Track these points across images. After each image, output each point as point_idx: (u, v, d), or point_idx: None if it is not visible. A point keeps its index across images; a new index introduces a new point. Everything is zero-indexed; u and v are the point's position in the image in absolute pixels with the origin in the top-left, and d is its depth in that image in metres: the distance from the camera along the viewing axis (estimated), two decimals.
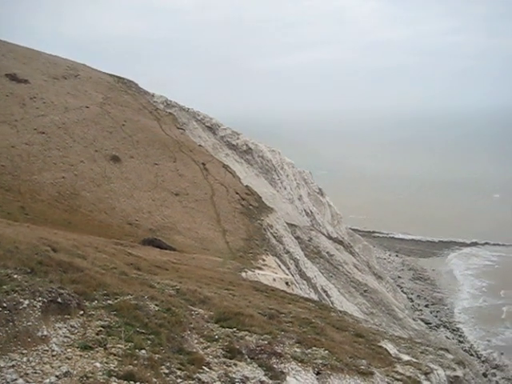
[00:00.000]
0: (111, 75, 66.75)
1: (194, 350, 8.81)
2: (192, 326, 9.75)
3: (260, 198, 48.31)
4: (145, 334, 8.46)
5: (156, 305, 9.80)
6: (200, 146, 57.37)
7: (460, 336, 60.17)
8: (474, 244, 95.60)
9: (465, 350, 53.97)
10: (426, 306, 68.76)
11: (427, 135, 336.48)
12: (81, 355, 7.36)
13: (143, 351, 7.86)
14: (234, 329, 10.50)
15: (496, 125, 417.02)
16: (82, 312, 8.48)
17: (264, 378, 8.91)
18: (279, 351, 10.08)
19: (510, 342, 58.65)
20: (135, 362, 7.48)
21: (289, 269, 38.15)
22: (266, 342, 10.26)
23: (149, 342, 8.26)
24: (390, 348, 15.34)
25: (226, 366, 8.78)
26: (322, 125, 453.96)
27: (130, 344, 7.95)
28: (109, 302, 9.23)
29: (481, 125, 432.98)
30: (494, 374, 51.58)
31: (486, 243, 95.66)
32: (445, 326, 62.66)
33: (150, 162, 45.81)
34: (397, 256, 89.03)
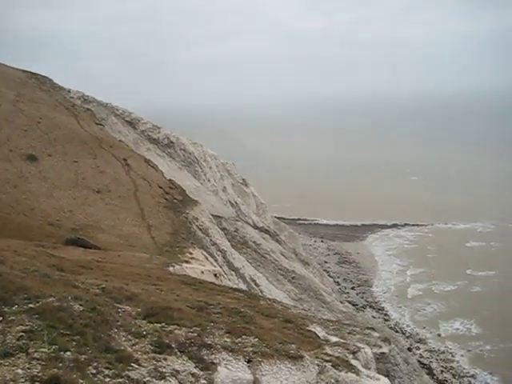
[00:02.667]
0: (23, 71, 64.09)
1: (122, 348, 8.66)
2: (119, 323, 9.57)
3: (184, 191, 47.92)
4: (70, 335, 8.22)
5: (80, 305, 9.53)
6: (120, 141, 56.24)
7: (385, 315, 62.43)
8: (395, 226, 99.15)
9: (390, 328, 55.95)
10: (353, 288, 70.74)
11: (346, 122, 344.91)
12: (0, 363, 7.07)
13: (68, 353, 7.64)
14: (163, 323, 10.39)
15: (419, 112, 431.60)
16: (0, 318, 8.14)
17: (195, 370, 8.88)
18: (209, 342, 10.07)
19: (430, 316, 61.49)
20: (60, 364, 7.26)
21: (216, 260, 38.13)
22: (195, 335, 10.23)
23: (74, 343, 8.03)
24: (319, 331, 15.68)
25: (156, 361, 8.69)
26: (246, 115, 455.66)
27: (53, 347, 7.69)
28: (30, 305, 8.89)
29: (403, 112, 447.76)
30: (418, 348, 54.08)
31: (406, 224, 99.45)
32: (371, 307, 64.75)
33: (69, 159, 44.42)
34: (322, 241, 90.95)
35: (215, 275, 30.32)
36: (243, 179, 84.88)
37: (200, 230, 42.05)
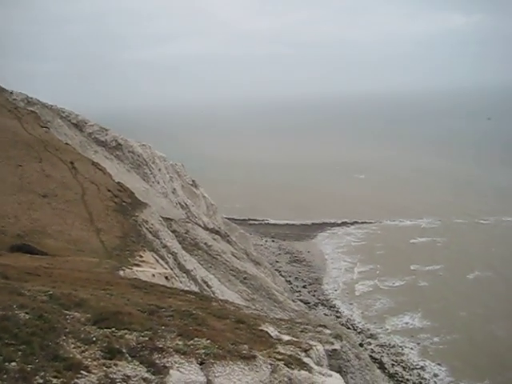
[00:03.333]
0: None
1: (71, 356, 8.47)
2: (67, 330, 9.35)
3: (133, 193, 47.31)
4: (15, 345, 7.97)
5: (26, 313, 9.27)
6: (67, 144, 55.07)
7: (337, 312, 63.24)
8: (344, 224, 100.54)
9: (342, 325, 56.72)
10: (304, 286, 71.36)
11: (296, 120, 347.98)
12: None
13: (13, 363, 7.41)
14: (113, 328, 10.22)
15: (369, 111, 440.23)
16: None
17: (146, 375, 8.77)
18: (161, 346, 9.96)
19: (380, 311, 62.72)
20: (5, 376, 7.03)
21: (167, 263, 37.80)
22: (146, 339, 10.10)
23: (20, 352, 7.79)
24: (271, 330, 15.74)
25: (106, 367, 8.53)
26: (194, 117, 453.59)
27: None
28: None
29: (352, 111, 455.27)
30: (369, 343, 55.05)
31: (355, 222, 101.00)
32: (322, 304, 65.48)
33: (13, 163, 43.19)
34: (273, 241, 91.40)
35: (166, 278, 30.04)
36: (193, 180, 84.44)
37: (150, 232, 41.61)
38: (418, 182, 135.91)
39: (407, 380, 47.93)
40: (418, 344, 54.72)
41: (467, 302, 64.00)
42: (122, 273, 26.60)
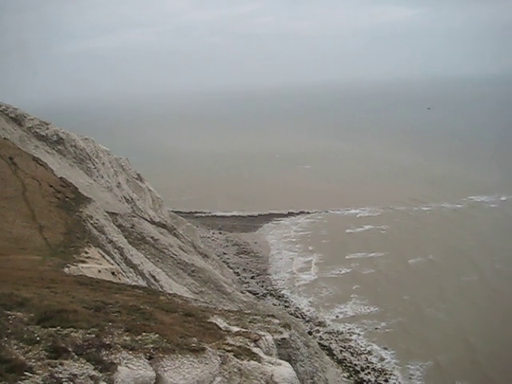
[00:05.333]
0: None
1: (14, 357, 8.23)
2: (9, 331, 9.09)
3: (76, 188, 46.34)
4: None
5: None
6: (5, 139, 53.33)
7: (285, 301, 63.83)
8: (291, 214, 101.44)
9: (291, 314, 57.31)
10: (252, 277, 71.69)
11: (242, 111, 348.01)
12: None
13: None
14: (58, 327, 10.00)
15: (317, 102, 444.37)
16: None
17: (94, 373, 8.64)
18: (108, 342, 9.82)
19: (327, 299, 63.74)
20: None
21: (114, 258, 37.25)
22: (93, 336, 9.95)
23: None
24: (220, 322, 15.77)
25: (51, 366, 8.35)
26: (138, 108, 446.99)
27: None
28: None
29: (299, 103, 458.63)
30: (318, 331, 55.88)
31: (301, 212, 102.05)
32: (271, 294, 65.96)
33: None
34: (220, 233, 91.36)
35: (113, 273, 29.63)
36: (138, 174, 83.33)
37: (95, 228, 40.88)
38: (362, 172, 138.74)
39: (355, 365, 48.95)
40: (365, 329, 55.93)
41: (410, 286, 65.85)
42: (66, 270, 26.06)
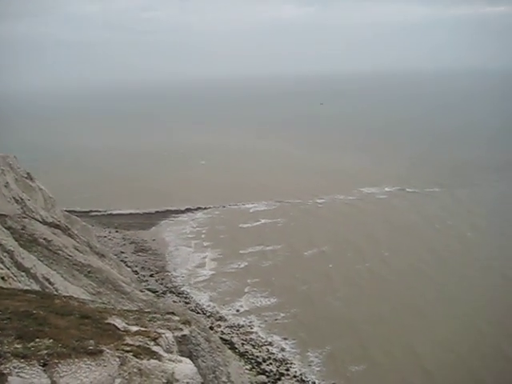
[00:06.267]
0: None
1: None
2: None
3: None
4: None
5: None
6: None
7: (186, 298, 63.53)
8: (189, 210, 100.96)
9: (191, 310, 57.11)
10: (151, 275, 70.72)
11: (129, 108, 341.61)
12: None
13: None
14: None
15: (201, 97, 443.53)
16: None
17: None
18: None
19: (228, 293, 64.15)
20: None
21: (3, 262, 35.38)
22: None
23: None
24: (119, 323, 15.42)
25: None
26: (18, 104, 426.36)
27: None
28: None
29: (180, 98, 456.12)
30: (219, 325, 56.08)
31: (199, 208, 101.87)
32: (171, 292, 65.39)
33: None
34: (117, 232, 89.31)
35: (2, 278, 28.16)
36: (28, 173, 79.36)
37: None
38: (257, 166, 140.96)
39: (257, 357, 49.67)
40: (265, 321, 56.87)
41: (307, 277, 67.80)
42: None
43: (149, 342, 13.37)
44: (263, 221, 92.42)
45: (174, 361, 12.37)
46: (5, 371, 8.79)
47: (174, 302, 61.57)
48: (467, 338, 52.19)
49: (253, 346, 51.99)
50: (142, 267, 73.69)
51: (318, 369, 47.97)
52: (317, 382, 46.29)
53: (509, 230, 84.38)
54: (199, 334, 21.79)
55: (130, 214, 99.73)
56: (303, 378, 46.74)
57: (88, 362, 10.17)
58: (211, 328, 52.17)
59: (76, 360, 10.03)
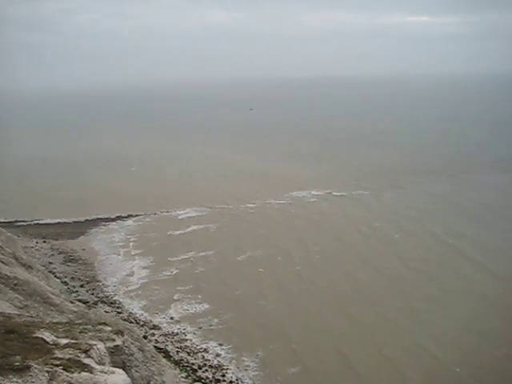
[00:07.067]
0: None
1: None
2: None
3: None
4: None
5: None
6: None
7: (118, 307, 62.22)
8: (119, 218, 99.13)
9: (124, 320, 55.98)
10: (82, 286, 68.87)
11: (56, 114, 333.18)
12: None
13: None
14: None
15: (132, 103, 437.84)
16: None
17: None
18: None
19: (161, 301, 63.18)
20: None
21: None
22: None
23: None
24: (47, 336, 14.90)
25: None
26: None
27: None
28: None
29: (113, 105, 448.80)
30: (153, 334, 55.22)
31: (130, 215, 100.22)
32: (102, 302, 63.88)
33: None
34: (44, 242, 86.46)
35: None
36: None
37: None
38: (188, 172, 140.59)
39: (192, 364, 49.24)
40: (200, 328, 56.50)
41: (238, 282, 67.98)
42: None
43: (79, 355, 12.98)
44: (195, 227, 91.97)
45: (106, 372, 12.06)
46: None
47: (106, 312, 60.18)
48: (400, 341, 53.55)
49: (188, 353, 51.53)
50: (72, 277, 71.66)
51: (254, 373, 48.07)
52: None
53: (438, 229, 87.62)
54: (132, 343, 21.41)
55: (59, 223, 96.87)
56: (239, 382, 46.73)
57: (14, 380, 9.74)
58: (145, 337, 51.37)
59: (1, 378, 9.60)
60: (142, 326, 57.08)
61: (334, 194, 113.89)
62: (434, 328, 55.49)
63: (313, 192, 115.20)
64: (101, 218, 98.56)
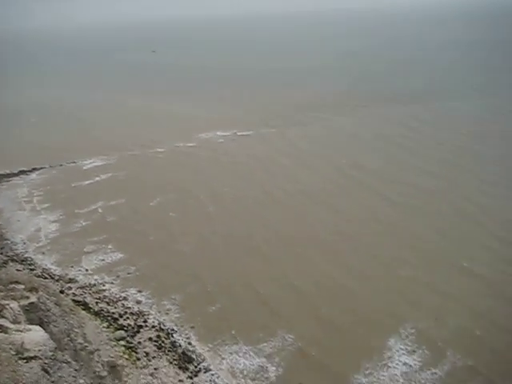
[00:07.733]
0: None
1: None
2: None
3: None
4: None
5: None
6: None
7: (30, 264, 60.59)
8: (22, 172, 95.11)
9: (38, 276, 54.76)
10: None
11: None
12: None
13: None
14: None
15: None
16: None
17: None
18: None
19: (75, 254, 62.12)
20: None
21: None
22: None
23: None
24: None
25: None
26: None
27: None
28: None
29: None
30: (70, 288, 54.47)
31: (34, 169, 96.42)
32: (13, 260, 61.90)
33: None
34: None
35: None
36: None
37: None
38: (90, 120, 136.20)
39: (113, 313, 49.28)
40: (118, 277, 56.37)
41: (152, 228, 68.10)
42: None
43: None
44: (103, 176, 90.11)
45: (22, 331, 12.04)
46: None
47: (18, 270, 58.45)
48: (308, 273, 55.57)
49: (107, 303, 51.45)
50: None
51: (176, 315, 48.98)
52: (175, 328, 47.31)
53: (341, 162, 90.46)
54: (48, 299, 21.19)
55: None
56: (162, 326, 47.48)
57: None
58: (61, 292, 50.69)
59: None
60: (57, 280, 56.11)
61: (240, 133, 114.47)
62: (343, 259, 58.11)
63: (220, 133, 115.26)
64: (2, 174, 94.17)
